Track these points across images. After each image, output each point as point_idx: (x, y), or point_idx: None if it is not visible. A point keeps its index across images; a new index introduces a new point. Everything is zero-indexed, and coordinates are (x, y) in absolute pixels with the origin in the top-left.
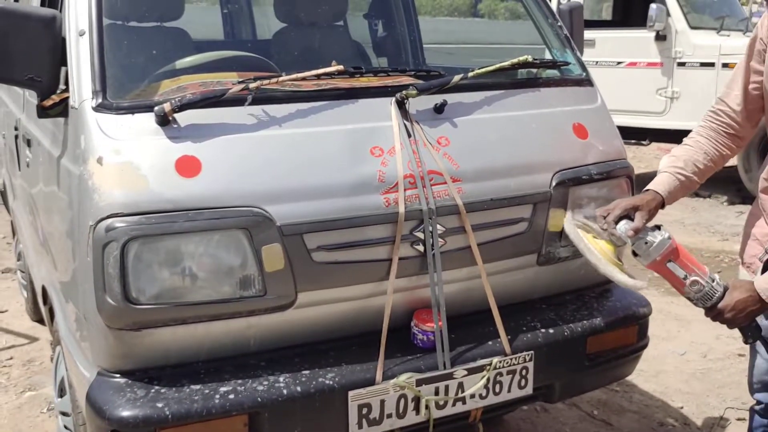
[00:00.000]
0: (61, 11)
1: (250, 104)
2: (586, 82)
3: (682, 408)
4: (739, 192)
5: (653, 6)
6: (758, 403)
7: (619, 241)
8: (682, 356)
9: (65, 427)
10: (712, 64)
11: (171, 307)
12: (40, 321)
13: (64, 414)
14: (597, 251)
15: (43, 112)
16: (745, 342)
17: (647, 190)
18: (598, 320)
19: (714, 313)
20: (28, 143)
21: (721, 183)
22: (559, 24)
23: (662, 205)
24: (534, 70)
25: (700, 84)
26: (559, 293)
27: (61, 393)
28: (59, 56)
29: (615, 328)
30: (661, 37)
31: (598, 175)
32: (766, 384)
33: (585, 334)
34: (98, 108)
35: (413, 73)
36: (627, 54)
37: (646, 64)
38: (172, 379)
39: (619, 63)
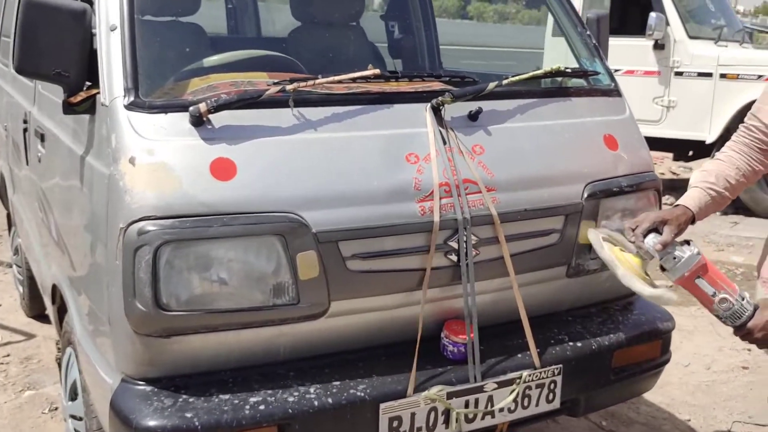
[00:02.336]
0: (91, 5)
1: (287, 106)
2: (615, 92)
3: (689, 421)
4: (733, 202)
5: (653, 15)
6: None
7: (647, 255)
8: (687, 368)
9: (75, 430)
10: (709, 75)
11: (203, 314)
12: (36, 317)
13: (74, 418)
14: (623, 264)
15: (69, 108)
16: None
17: (677, 204)
18: (624, 334)
19: (743, 332)
20: (42, 138)
21: None
22: (587, 33)
23: (693, 221)
24: (559, 79)
25: (697, 94)
26: (585, 306)
27: (72, 396)
28: (88, 51)
29: (640, 343)
30: (659, 46)
31: (628, 187)
32: None
33: (612, 348)
34: (130, 106)
35: (447, 78)
36: (624, 62)
37: (644, 72)
38: (201, 388)
39: (616, 71)
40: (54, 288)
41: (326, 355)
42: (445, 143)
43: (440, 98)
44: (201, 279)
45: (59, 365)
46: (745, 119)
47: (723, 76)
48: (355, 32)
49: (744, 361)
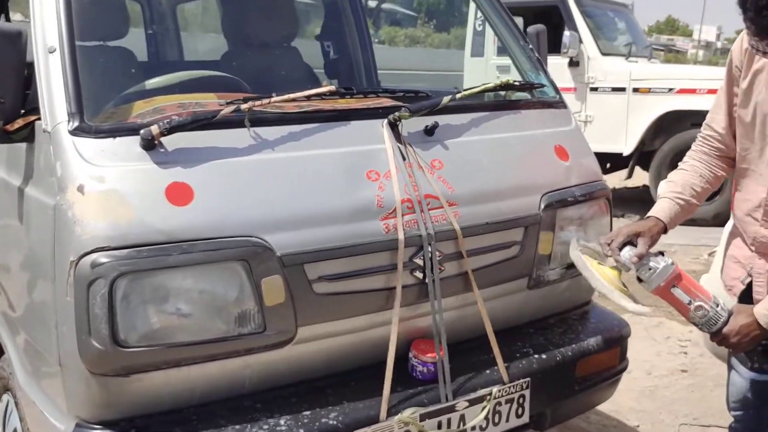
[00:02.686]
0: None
1: (242, 126)
2: (561, 104)
3: (638, 427)
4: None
5: (567, 33)
6: (736, 420)
7: (624, 267)
8: (629, 374)
9: None
10: (623, 89)
11: (164, 348)
12: None
13: None
14: (602, 277)
15: (6, 136)
16: (750, 368)
17: (649, 216)
18: (585, 343)
19: (719, 337)
20: None
21: (634, 202)
22: (530, 47)
23: (665, 231)
24: (503, 93)
25: (612, 108)
26: (545, 317)
27: None
28: (24, 76)
29: (601, 351)
30: (574, 63)
31: (582, 196)
32: (744, 401)
33: (575, 358)
34: (76, 131)
35: (401, 94)
36: None
37: (561, 88)
38: (163, 427)
39: None
40: None
41: (294, 384)
42: (404, 159)
43: (397, 113)
44: (161, 311)
45: None
46: (701, 129)
47: (636, 90)
48: (289, 53)
49: (682, 365)
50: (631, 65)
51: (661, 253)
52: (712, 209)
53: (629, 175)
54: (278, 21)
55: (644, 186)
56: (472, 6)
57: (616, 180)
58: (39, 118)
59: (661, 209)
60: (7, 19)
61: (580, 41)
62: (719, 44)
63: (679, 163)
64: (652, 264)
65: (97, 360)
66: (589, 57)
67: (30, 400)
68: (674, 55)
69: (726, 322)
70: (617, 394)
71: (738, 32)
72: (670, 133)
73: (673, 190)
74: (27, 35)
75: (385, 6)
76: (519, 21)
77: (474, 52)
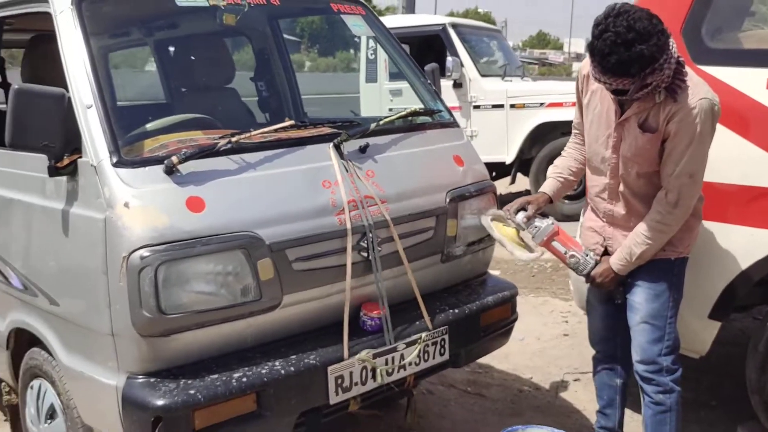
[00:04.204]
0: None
1: (233, 153)
2: (454, 124)
3: (531, 378)
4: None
5: (449, 59)
6: (597, 351)
7: (519, 227)
8: (522, 341)
9: None
10: (501, 106)
11: (192, 314)
12: None
13: None
14: (504, 236)
15: (56, 171)
16: (616, 301)
17: (539, 192)
18: (485, 300)
19: (590, 279)
20: None
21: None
22: (429, 81)
23: (550, 201)
24: (409, 119)
25: (493, 122)
26: (455, 284)
27: (49, 419)
28: (68, 126)
29: (497, 306)
30: (457, 85)
31: (476, 191)
32: (601, 336)
33: (479, 312)
34: (117, 164)
35: (339, 123)
36: None
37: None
38: (194, 373)
39: None
40: (10, 334)
41: (282, 339)
42: (347, 171)
43: (339, 138)
44: (189, 287)
45: (8, 408)
46: (573, 124)
47: (513, 106)
48: (230, 93)
49: (564, 330)
50: (507, 84)
51: (545, 216)
52: None
53: (512, 181)
54: (220, 67)
55: (526, 190)
56: (363, 38)
57: (501, 186)
58: (80, 156)
59: (546, 185)
60: (4, 79)
61: (462, 65)
62: None
63: (562, 151)
64: (536, 223)
65: (146, 325)
66: (471, 79)
67: (77, 372)
68: (548, 68)
69: (593, 268)
70: (513, 357)
71: None
72: (545, 142)
73: (554, 171)
74: (68, 96)
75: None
76: (406, 48)
77: (368, 78)
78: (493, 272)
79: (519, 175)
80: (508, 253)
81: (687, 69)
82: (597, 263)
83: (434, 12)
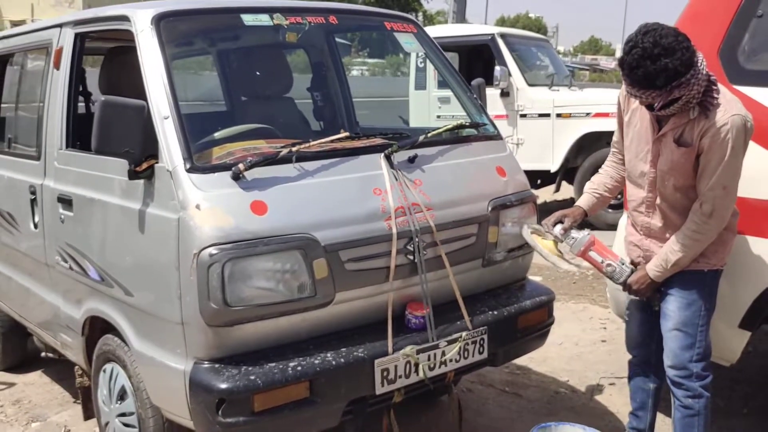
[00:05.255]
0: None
1: (293, 162)
2: (498, 137)
3: (568, 381)
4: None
5: (497, 68)
6: (633, 356)
7: (557, 238)
8: (560, 346)
9: (125, 424)
10: (548, 115)
11: (254, 307)
12: (7, 370)
13: (123, 415)
14: (543, 247)
15: (135, 175)
16: (654, 308)
17: (576, 206)
18: (523, 304)
19: (626, 287)
20: (68, 202)
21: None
22: (474, 96)
23: (585, 215)
24: (456, 131)
25: (540, 131)
26: (495, 288)
27: (120, 399)
28: (147, 134)
29: (534, 309)
30: (505, 94)
31: (516, 201)
32: (637, 341)
33: (517, 314)
34: (190, 170)
35: (390, 135)
36: None
37: (495, 116)
38: (254, 361)
39: None
40: (85, 321)
41: (333, 333)
42: (396, 179)
43: (390, 149)
44: (252, 283)
45: (81, 389)
46: (612, 142)
47: (559, 115)
48: (288, 102)
49: (602, 336)
50: (554, 94)
51: (582, 228)
52: None
53: (557, 189)
54: (280, 78)
55: (571, 198)
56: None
57: (546, 194)
58: (157, 162)
59: (582, 200)
60: (85, 88)
61: (509, 74)
62: None
63: (600, 168)
64: (573, 235)
65: (213, 316)
66: (518, 88)
67: (147, 357)
68: (599, 75)
69: (629, 276)
70: (551, 361)
71: None
72: (590, 151)
73: (591, 187)
74: (147, 107)
75: None
76: (455, 56)
77: (417, 86)
78: (535, 278)
79: (564, 184)
80: (551, 264)
81: (720, 87)
82: (633, 272)
83: (485, 17)
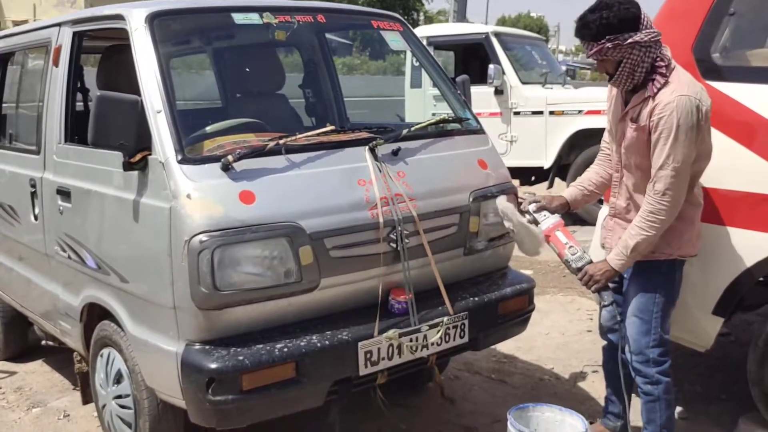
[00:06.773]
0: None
1: (281, 154)
2: (481, 131)
3: (552, 368)
4: (571, 216)
5: (491, 66)
6: (607, 342)
7: (529, 213)
8: (547, 335)
9: (121, 406)
10: (541, 112)
11: (243, 291)
12: (9, 359)
13: (119, 397)
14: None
15: (129, 166)
16: (604, 305)
17: (558, 195)
18: (504, 291)
19: (583, 273)
20: (66, 194)
21: None
22: (458, 92)
23: (568, 207)
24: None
25: (533, 128)
26: (477, 276)
27: (116, 383)
28: (140, 127)
29: (515, 297)
30: (499, 92)
31: (498, 192)
32: (609, 329)
33: (497, 301)
34: (182, 161)
35: (375, 129)
36: (473, 106)
37: (489, 113)
38: (242, 342)
39: None
40: (83, 308)
41: (319, 317)
42: (380, 171)
43: (374, 142)
44: (241, 268)
45: (80, 375)
46: (602, 139)
47: (552, 113)
48: (280, 99)
49: (588, 327)
50: (547, 92)
51: (554, 213)
52: None
53: (550, 185)
54: (272, 75)
55: None
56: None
57: (540, 190)
58: (150, 154)
59: (566, 191)
60: (83, 84)
61: (503, 73)
62: None
63: (591, 165)
64: (545, 213)
65: (203, 300)
66: (512, 86)
67: (142, 341)
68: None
69: (586, 264)
70: (537, 350)
71: None
72: (582, 148)
73: (578, 182)
74: (141, 102)
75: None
76: (450, 55)
77: (413, 84)
78: (526, 272)
79: (557, 180)
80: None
81: (681, 72)
82: (590, 262)
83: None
